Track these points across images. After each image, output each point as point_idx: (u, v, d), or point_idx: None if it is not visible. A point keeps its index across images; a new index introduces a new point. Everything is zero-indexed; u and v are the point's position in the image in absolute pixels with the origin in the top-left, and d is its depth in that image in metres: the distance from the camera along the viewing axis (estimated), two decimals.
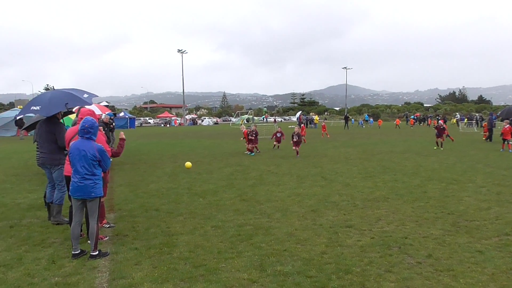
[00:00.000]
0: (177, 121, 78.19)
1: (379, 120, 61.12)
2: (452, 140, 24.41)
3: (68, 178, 6.01)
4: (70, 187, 5.57)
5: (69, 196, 5.65)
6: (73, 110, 8.55)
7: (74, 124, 8.17)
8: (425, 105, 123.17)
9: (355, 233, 6.50)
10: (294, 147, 17.58)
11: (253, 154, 18.69)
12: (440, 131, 21.01)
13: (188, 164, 10.59)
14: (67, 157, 6.01)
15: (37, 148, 7.64)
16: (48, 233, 6.62)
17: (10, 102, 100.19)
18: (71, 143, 5.69)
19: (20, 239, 6.34)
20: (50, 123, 7.28)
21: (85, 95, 7.57)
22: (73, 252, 5.50)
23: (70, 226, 5.85)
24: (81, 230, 5.76)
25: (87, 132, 5.45)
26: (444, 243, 5.97)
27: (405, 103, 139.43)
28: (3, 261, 5.36)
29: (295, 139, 17.66)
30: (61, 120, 7.59)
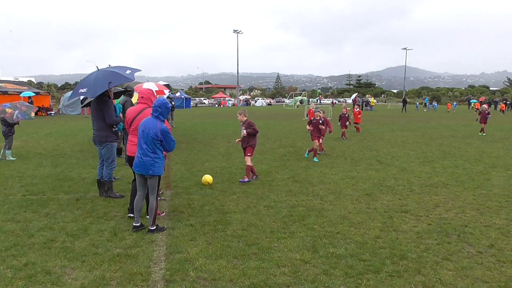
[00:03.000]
0: (227, 102, 78.63)
1: (448, 103, 57.95)
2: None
3: (130, 158, 6.23)
4: (133, 162, 5.78)
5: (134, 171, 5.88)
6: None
7: (123, 103, 8.43)
8: (491, 88, 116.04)
9: (411, 219, 6.32)
10: (315, 140, 12.04)
11: (320, 153, 12.76)
12: (484, 116, 20.01)
13: (207, 179, 8.60)
14: (134, 137, 6.18)
15: None
16: (110, 207, 6.98)
17: (76, 82, 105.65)
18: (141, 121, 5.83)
19: (85, 211, 6.74)
20: (99, 101, 7.46)
21: (128, 71, 7.62)
22: (134, 224, 5.77)
23: (130, 199, 6.16)
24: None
25: (155, 110, 5.60)
26: (509, 234, 5.67)
27: (469, 86, 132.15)
28: (70, 231, 5.73)
29: (318, 125, 12.16)
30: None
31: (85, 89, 7.39)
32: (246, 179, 8.85)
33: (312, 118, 12.41)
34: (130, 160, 6.26)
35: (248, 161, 8.90)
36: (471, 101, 63.78)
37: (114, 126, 7.61)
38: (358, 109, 20.91)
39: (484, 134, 19.65)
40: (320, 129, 12.02)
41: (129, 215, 6.27)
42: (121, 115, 8.10)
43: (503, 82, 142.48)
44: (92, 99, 7.60)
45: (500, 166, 10.92)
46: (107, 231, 5.73)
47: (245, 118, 9.03)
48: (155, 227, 5.69)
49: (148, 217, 5.88)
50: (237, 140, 9.32)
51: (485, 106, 21.78)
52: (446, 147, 14.77)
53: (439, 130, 22.39)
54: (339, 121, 18.00)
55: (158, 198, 7.04)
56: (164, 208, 6.87)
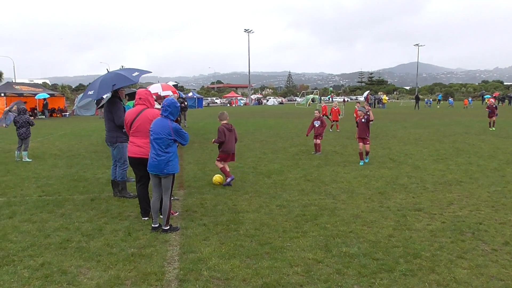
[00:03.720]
0: (237, 102, 78.44)
1: (465, 100, 57.10)
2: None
3: (131, 159, 6.28)
4: (148, 163, 5.84)
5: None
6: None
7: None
8: (505, 83, 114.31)
9: (425, 217, 6.28)
10: (314, 140, 12.80)
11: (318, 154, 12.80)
12: (492, 111, 20.20)
13: (218, 179, 8.80)
14: (134, 138, 6.23)
15: None
16: (125, 207, 7.06)
17: (89, 83, 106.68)
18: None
19: (100, 211, 6.83)
20: (110, 102, 7.59)
21: (135, 73, 7.67)
22: (152, 225, 5.83)
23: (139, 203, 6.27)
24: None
25: (164, 110, 5.66)
26: None
27: (483, 81, 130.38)
28: (86, 231, 5.81)
29: (316, 125, 12.83)
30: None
31: (92, 91, 7.52)
32: (228, 179, 8.54)
33: (358, 119, 11.56)
34: (131, 161, 6.33)
35: (217, 164, 8.73)
36: (485, 96, 62.92)
37: (124, 127, 7.70)
38: (337, 107, 20.58)
39: (493, 128, 19.73)
40: (318, 128, 12.76)
41: (143, 218, 6.33)
42: None
43: None
44: (105, 101, 7.71)
45: None
46: (121, 231, 5.80)
47: (222, 121, 8.93)
48: (168, 227, 5.75)
49: (161, 216, 5.94)
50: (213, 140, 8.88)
51: (492, 100, 21.80)
52: (459, 144, 14.61)
53: (452, 126, 22.15)
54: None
55: (172, 198, 7.11)
56: (177, 208, 6.93)
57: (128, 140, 6.56)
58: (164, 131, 5.58)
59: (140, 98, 6.34)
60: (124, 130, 7.64)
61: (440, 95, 64.88)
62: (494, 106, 20.60)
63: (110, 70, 7.99)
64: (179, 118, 19.27)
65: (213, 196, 7.72)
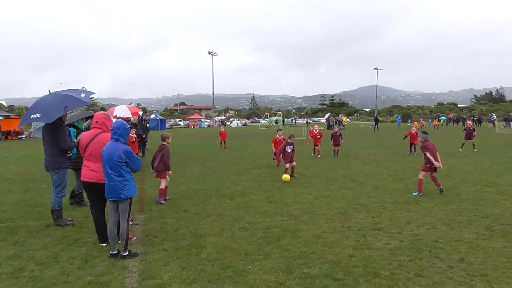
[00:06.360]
0: (197, 124, 77.73)
1: (435, 121, 59.03)
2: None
3: (85, 184, 6.08)
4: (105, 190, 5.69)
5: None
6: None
7: (87, 128, 8.32)
8: (459, 105, 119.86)
9: (384, 236, 6.40)
10: (288, 164, 12.44)
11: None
12: (470, 133, 20.67)
13: (286, 177, 11.57)
14: (89, 162, 6.07)
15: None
16: (82, 233, 6.82)
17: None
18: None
19: (56, 238, 6.56)
20: (52, 125, 7.19)
21: (83, 95, 7.42)
22: (111, 252, 5.65)
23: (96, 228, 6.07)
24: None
25: (114, 133, 5.58)
26: (478, 248, 5.80)
27: (438, 103, 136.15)
28: (40, 259, 5.56)
29: (289, 150, 12.49)
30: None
31: (38, 115, 7.04)
32: (160, 200, 9.04)
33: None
34: (85, 185, 6.14)
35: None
36: (441, 118, 65.73)
37: (69, 152, 7.46)
38: (318, 130, 19.32)
39: (475, 150, 20.09)
40: (291, 153, 12.52)
41: (101, 244, 6.13)
42: (75, 140, 7.87)
43: (470, 99, 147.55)
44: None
45: (469, 181, 11.22)
46: (78, 258, 5.59)
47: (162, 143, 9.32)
48: (127, 253, 5.59)
49: (120, 242, 5.77)
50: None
51: (469, 122, 22.31)
52: (417, 164, 15.07)
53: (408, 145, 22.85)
54: (331, 139, 18.50)
55: (131, 223, 6.93)
56: (137, 232, 6.76)
57: (71, 165, 6.39)
58: (115, 154, 5.48)
59: (96, 122, 6.21)
60: (68, 155, 7.42)
61: (399, 117, 67.16)
62: (472, 128, 21.07)
63: (51, 92, 7.63)
64: (144, 140, 18.99)
65: (175, 220, 7.59)
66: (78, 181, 8.51)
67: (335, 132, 18.50)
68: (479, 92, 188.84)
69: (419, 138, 10.39)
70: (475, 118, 59.31)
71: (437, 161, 9.59)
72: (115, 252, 5.62)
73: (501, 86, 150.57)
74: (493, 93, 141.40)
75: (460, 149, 20.29)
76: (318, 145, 18.67)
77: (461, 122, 59.79)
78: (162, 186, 9.10)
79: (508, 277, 4.76)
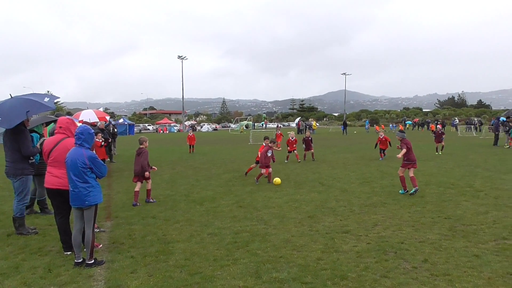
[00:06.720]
0: (166, 129, 76.72)
1: (400, 125, 60.34)
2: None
3: (49, 190, 5.94)
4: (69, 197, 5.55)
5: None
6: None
7: (52, 133, 8.11)
8: (424, 110, 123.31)
9: (352, 239, 6.50)
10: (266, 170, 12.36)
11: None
12: (439, 136, 21.20)
13: (277, 180, 11.89)
14: (52, 168, 5.92)
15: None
16: (45, 241, 6.62)
17: None
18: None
19: (17, 247, 6.34)
20: (13, 131, 6.99)
21: (46, 99, 7.27)
22: (75, 261, 5.50)
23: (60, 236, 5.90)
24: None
25: (78, 138, 5.46)
26: (441, 248, 5.98)
27: (404, 108, 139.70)
28: (0, 270, 5.36)
29: (269, 155, 12.50)
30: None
31: None
32: (134, 202, 9.36)
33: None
34: (48, 192, 5.97)
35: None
36: (407, 122, 67.40)
37: (31, 158, 7.24)
38: (294, 138, 19.19)
39: (440, 153, 20.65)
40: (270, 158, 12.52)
41: (65, 253, 5.96)
42: (38, 145, 7.64)
43: (434, 104, 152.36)
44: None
45: (433, 183, 11.55)
46: (41, 268, 5.43)
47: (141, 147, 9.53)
48: (93, 261, 5.46)
49: (85, 250, 5.63)
50: None
51: (439, 126, 23.02)
52: (384, 167, 15.42)
53: (377, 151, 23.33)
54: (303, 144, 18.72)
55: (97, 230, 6.78)
56: (103, 240, 6.61)
57: (34, 172, 6.21)
58: (79, 160, 5.36)
59: (60, 127, 6.06)
60: (31, 161, 7.20)
61: (367, 121, 68.43)
62: (440, 132, 21.79)
63: (13, 96, 7.41)
64: (111, 144, 18.62)
65: (142, 226, 7.47)
66: (41, 187, 8.27)
67: (307, 137, 18.93)
68: (443, 97, 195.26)
69: (396, 136, 10.74)
70: (439, 122, 61.18)
71: (413, 159, 10.15)
72: (80, 261, 5.48)
73: (462, 91, 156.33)
74: (456, 98, 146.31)
75: (436, 153, 20.77)
76: (293, 151, 18.46)
77: (425, 126, 61.49)
78: (149, 186, 9.67)
79: (469, 276, 4.91)
